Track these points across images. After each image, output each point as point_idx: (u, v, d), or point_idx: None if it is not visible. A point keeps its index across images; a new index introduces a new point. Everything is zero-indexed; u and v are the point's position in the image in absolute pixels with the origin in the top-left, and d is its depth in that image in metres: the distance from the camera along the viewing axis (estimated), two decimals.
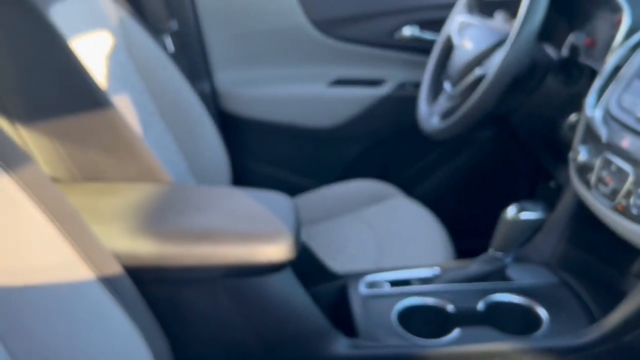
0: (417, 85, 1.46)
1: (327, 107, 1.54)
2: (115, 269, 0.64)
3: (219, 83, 1.55)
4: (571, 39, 0.99)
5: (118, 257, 0.68)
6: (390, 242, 1.24)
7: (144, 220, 0.75)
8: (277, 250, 0.73)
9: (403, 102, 1.49)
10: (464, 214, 1.52)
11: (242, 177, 1.62)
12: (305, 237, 1.34)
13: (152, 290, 0.71)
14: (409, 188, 1.54)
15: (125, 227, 0.73)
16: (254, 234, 0.75)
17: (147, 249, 0.71)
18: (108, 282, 0.62)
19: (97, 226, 0.67)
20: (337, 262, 1.22)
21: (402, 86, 1.52)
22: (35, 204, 0.55)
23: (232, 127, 1.56)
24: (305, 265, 0.97)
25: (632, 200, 0.75)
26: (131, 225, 0.73)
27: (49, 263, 0.56)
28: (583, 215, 0.92)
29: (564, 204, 0.97)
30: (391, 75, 1.53)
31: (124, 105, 1.16)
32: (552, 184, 1.31)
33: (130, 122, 1.09)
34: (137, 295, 0.67)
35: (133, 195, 0.82)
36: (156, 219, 0.75)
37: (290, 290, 0.77)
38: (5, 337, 0.53)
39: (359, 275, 0.95)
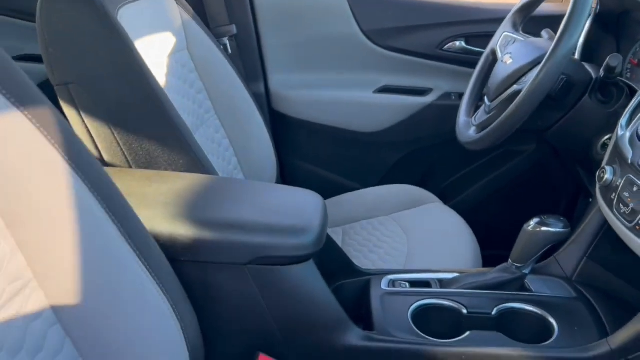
0: (462, 96, 1.49)
1: (373, 113, 1.60)
2: (153, 248, 0.72)
3: (273, 85, 1.63)
4: (608, 60, 1.01)
5: (158, 237, 0.76)
6: (421, 246, 1.28)
7: (184, 207, 0.83)
8: (300, 244, 0.80)
9: (447, 112, 1.52)
10: (500, 226, 1.53)
11: (288, 174, 1.70)
12: (342, 235, 1.41)
13: (186, 270, 0.79)
14: (447, 196, 1.58)
15: (167, 213, 0.82)
16: (281, 227, 0.82)
17: (184, 233, 0.79)
18: (145, 259, 0.70)
19: (142, 209, 0.75)
20: (368, 260, 1.27)
21: (447, 96, 1.56)
22: (86, 185, 0.64)
23: (282, 126, 1.65)
24: (333, 261, 1.04)
25: None
26: (172, 211, 0.82)
27: (93, 238, 0.65)
28: (607, 234, 0.94)
29: (590, 222, 0.99)
30: (437, 85, 1.57)
31: (182, 101, 1.25)
32: (591, 200, 1.31)
33: (186, 118, 1.18)
34: (172, 273, 0.75)
35: (178, 184, 0.91)
36: (195, 207, 0.83)
37: (311, 281, 0.83)
38: (54, 303, 0.62)
39: (382, 274, 1.00)
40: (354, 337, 0.84)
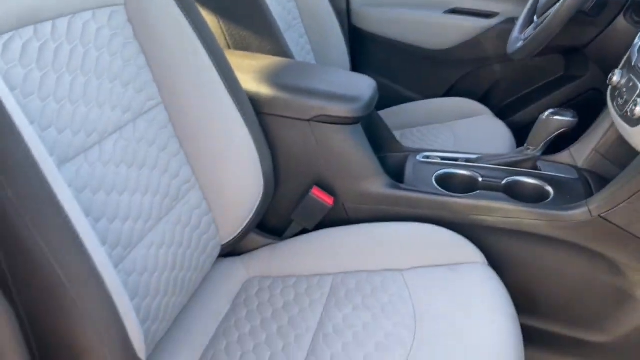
0: None
1: (442, 32, 1.78)
2: (243, 96, 1.00)
3: (354, 2, 1.85)
4: None
5: (247, 92, 1.04)
6: (465, 146, 1.49)
7: (268, 75, 1.10)
8: (351, 108, 1.05)
9: (509, 35, 1.67)
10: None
11: None
12: (400, 137, 1.64)
13: (266, 120, 1.07)
14: (503, 114, 1.75)
15: (255, 77, 1.09)
16: (338, 94, 1.07)
17: (265, 91, 1.06)
18: (238, 102, 0.97)
19: (237, 73, 1.03)
20: None
21: (510, 21, 1.71)
22: (203, 46, 0.92)
23: (359, 40, 1.87)
24: (382, 137, 1.28)
25: (631, 107, 0.94)
26: (259, 76, 1.09)
27: (204, 80, 0.93)
28: (614, 130, 1.11)
29: (601, 120, 1.16)
30: (503, 9, 1.72)
31: (274, 6, 1.51)
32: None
33: (277, 18, 1.44)
34: (255, 117, 1.02)
35: (266, 62, 1.18)
36: (276, 75, 1.10)
37: (358, 139, 1.08)
38: (174, 121, 0.92)
39: (420, 151, 1.23)
40: (386, 185, 1.08)
